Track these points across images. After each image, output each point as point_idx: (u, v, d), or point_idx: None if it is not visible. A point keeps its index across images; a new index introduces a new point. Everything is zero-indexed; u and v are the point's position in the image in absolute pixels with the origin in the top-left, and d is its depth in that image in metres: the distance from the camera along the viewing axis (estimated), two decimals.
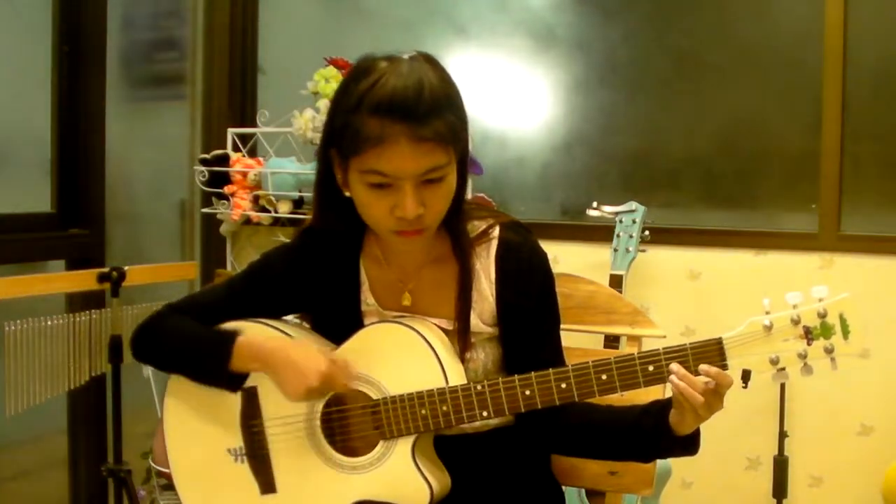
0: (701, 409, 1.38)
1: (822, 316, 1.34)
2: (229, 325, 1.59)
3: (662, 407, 1.46)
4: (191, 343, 1.58)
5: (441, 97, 1.41)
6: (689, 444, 1.46)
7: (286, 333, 1.58)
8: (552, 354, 1.58)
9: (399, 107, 1.37)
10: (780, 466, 2.70)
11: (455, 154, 1.44)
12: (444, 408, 1.46)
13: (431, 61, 1.46)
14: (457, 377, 1.49)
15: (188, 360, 1.59)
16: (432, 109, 1.39)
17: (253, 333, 1.56)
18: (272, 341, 1.54)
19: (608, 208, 2.83)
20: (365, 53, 1.48)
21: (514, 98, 3.25)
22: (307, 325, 1.68)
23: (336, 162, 1.48)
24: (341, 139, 1.43)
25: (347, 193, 1.49)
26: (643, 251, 2.81)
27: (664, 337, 1.82)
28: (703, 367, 1.37)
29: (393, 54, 1.45)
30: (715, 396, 1.38)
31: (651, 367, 1.40)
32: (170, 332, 1.61)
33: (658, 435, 1.46)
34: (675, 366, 1.38)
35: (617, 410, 1.54)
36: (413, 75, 1.40)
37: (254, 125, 3.28)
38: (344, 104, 1.43)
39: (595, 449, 1.60)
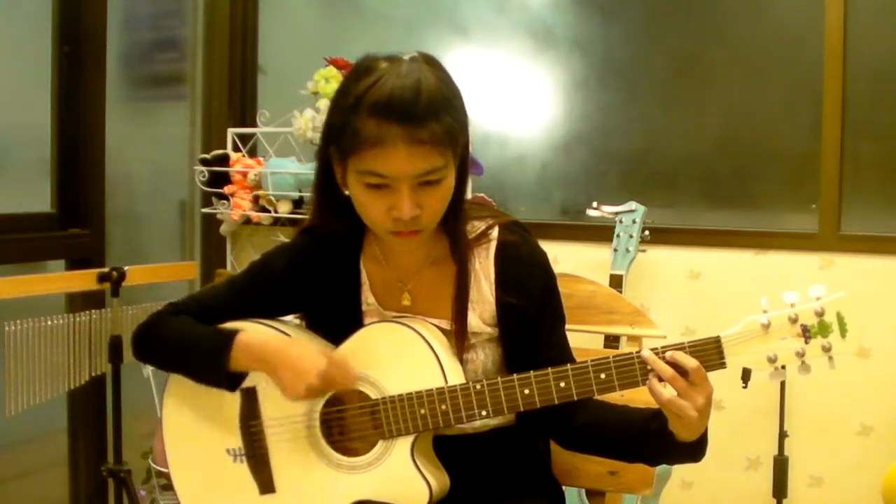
0: (679, 408, 1.37)
1: (820, 314, 1.34)
2: (229, 325, 1.58)
3: None
4: (190, 342, 1.58)
5: (439, 99, 1.41)
6: (691, 451, 1.44)
7: (286, 334, 1.58)
8: (557, 354, 1.56)
9: (396, 108, 1.37)
10: (780, 466, 2.70)
11: (453, 156, 1.44)
12: (444, 407, 1.46)
13: (432, 62, 1.46)
14: (456, 377, 1.48)
15: (187, 359, 1.59)
16: (429, 112, 1.38)
17: (252, 332, 1.55)
18: (271, 341, 1.54)
19: (608, 208, 2.83)
20: (367, 53, 1.48)
21: (514, 98, 3.25)
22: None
23: (335, 160, 1.48)
24: (340, 138, 1.43)
25: (346, 192, 1.49)
26: (643, 251, 2.81)
27: (664, 337, 1.82)
28: (668, 353, 1.37)
29: (394, 55, 1.44)
30: (690, 388, 1.37)
31: (649, 366, 1.39)
32: (169, 332, 1.61)
33: (662, 439, 1.44)
34: (646, 352, 1.38)
35: (628, 412, 1.54)
36: (411, 76, 1.40)
37: (254, 125, 3.29)
38: (343, 103, 1.43)
39: (603, 449, 1.60)
